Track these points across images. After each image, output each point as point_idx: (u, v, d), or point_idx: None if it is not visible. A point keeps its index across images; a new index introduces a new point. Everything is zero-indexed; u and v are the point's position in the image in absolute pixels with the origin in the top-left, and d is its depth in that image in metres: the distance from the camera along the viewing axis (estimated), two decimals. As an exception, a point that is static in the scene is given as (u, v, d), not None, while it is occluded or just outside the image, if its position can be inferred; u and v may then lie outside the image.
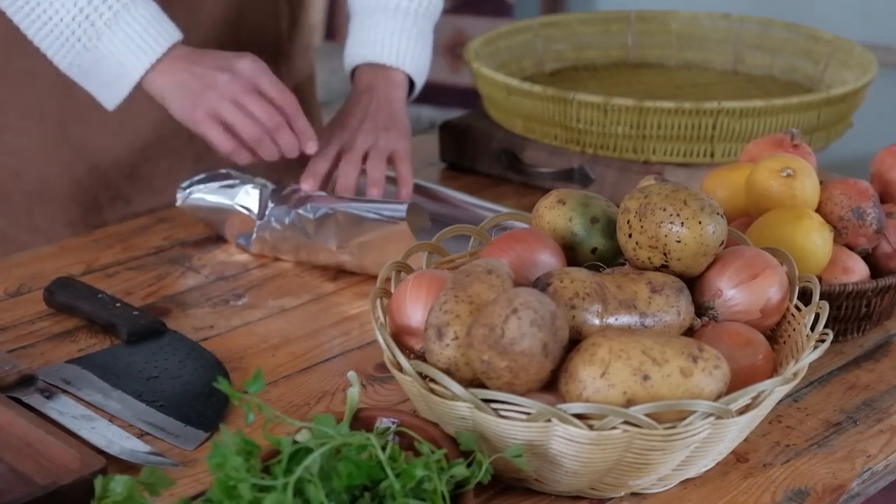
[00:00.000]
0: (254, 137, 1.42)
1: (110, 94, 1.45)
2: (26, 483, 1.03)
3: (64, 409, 1.13)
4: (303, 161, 1.49)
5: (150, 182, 1.64)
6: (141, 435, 1.12)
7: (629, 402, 0.97)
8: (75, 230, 1.59)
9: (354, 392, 1.01)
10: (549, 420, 0.96)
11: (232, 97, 1.41)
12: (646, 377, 0.97)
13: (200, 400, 1.17)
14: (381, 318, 1.08)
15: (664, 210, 1.09)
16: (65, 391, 1.18)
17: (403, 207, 1.38)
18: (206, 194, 1.47)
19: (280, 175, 1.51)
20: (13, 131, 1.59)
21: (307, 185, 1.46)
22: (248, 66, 1.43)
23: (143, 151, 1.61)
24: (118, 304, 1.31)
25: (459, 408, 0.99)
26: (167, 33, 1.43)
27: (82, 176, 1.60)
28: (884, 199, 1.38)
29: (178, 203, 1.48)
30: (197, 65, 1.42)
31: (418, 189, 1.55)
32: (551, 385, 1.00)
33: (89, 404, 1.16)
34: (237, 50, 1.47)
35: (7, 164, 1.59)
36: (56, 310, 1.34)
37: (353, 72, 1.61)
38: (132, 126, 1.59)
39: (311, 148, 1.44)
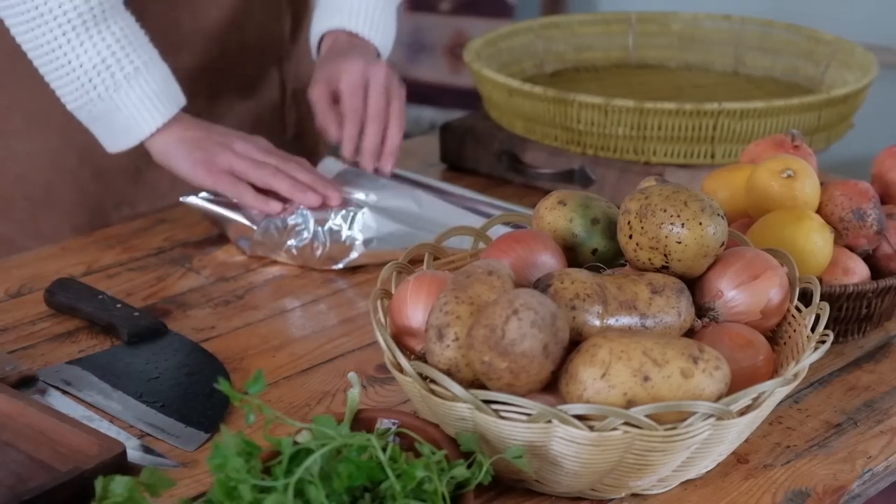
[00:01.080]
0: (263, 177, 1.45)
1: (114, 142, 1.48)
2: (47, 470, 1.03)
3: (65, 410, 1.13)
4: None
5: (154, 187, 1.64)
6: (141, 436, 1.12)
7: (630, 404, 0.97)
8: (81, 235, 1.58)
9: (355, 393, 1.01)
10: (549, 421, 0.96)
11: (239, 153, 1.46)
12: (646, 378, 0.97)
13: (201, 401, 1.17)
14: (382, 319, 1.09)
15: (665, 211, 1.09)
16: (65, 392, 1.18)
17: None
18: (206, 202, 1.48)
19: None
20: (18, 137, 1.58)
21: (347, 153, 1.53)
22: (251, 144, 1.48)
23: (147, 156, 1.60)
24: (119, 305, 1.31)
25: (460, 409, 0.99)
26: (178, 98, 1.47)
27: (87, 181, 1.61)
28: (884, 200, 1.38)
29: (181, 199, 1.49)
30: (208, 130, 1.48)
31: (426, 186, 1.56)
32: (552, 386, 1.00)
33: (90, 405, 1.16)
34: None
35: (12, 169, 1.59)
36: (57, 311, 1.34)
37: (321, 39, 1.63)
38: None
39: (334, 200, 1.46)
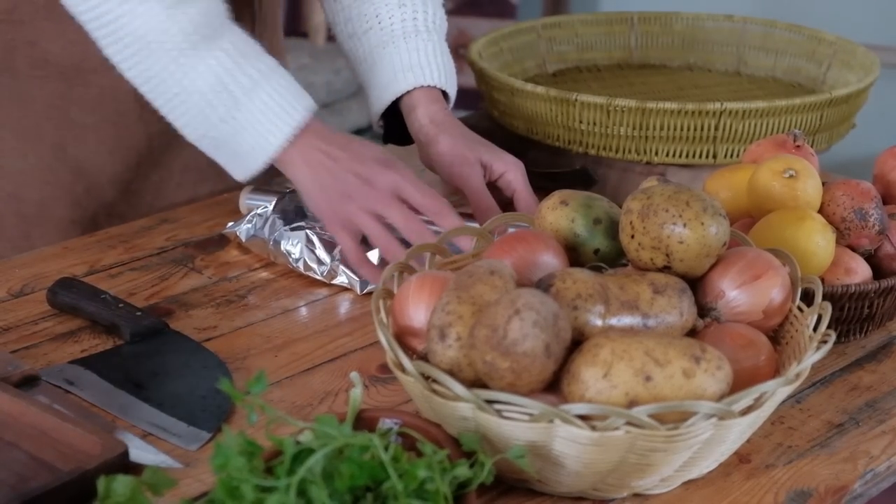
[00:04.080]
0: (388, 249, 1.33)
1: (242, 166, 1.37)
2: (49, 470, 1.03)
3: (67, 410, 1.13)
4: None
5: (142, 196, 1.61)
6: (144, 435, 1.12)
7: (631, 403, 0.97)
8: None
9: (357, 393, 1.01)
10: (551, 421, 0.96)
11: (370, 209, 1.33)
12: (648, 378, 0.97)
13: (203, 400, 1.17)
14: (384, 319, 1.09)
15: (667, 211, 1.09)
16: (67, 391, 1.18)
17: None
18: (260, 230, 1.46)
19: None
20: (9, 154, 1.54)
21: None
22: (390, 176, 1.34)
23: (136, 167, 1.59)
24: (121, 305, 1.31)
25: (462, 408, 0.99)
26: (305, 102, 1.36)
27: (81, 196, 1.57)
28: (886, 200, 1.38)
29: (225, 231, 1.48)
30: (336, 160, 1.34)
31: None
32: (554, 386, 1.00)
33: (92, 405, 1.16)
34: None
35: (3, 187, 1.55)
36: (59, 310, 1.34)
37: (398, 99, 1.53)
38: (127, 142, 1.56)
39: (465, 245, 1.33)
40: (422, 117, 1.52)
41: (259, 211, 1.46)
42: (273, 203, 1.46)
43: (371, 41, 1.55)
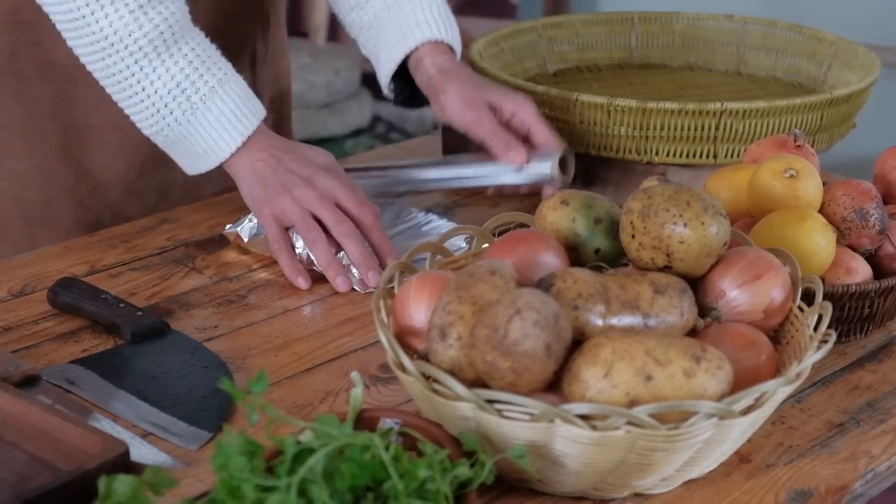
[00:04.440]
0: (307, 241, 1.38)
1: (193, 165, 1.44)
2: (50, 469, 1.04)
3: (68, 410, 1.13)
4: None
5: (146, 198, 1.61)
6: (145, 435, 1.12)
7: (632, 403, 0.97)
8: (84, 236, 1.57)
9: (358, 392, 1.01)
10: (552, 421, 0.96)
11: (304, 205, 1.38)
12: (649, 378, 0.97)
13: (204, 400, 1.17)
14: (385, 319, 1.09)
15: (667, 211, 1.09)
16: (68, 391, 1.18)
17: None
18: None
19: None
20: (13, 155, 1.55)
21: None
22: (331, 182, 1.39)
23: (140, 167, 1.59)
24: (122, 305, 1.31)
25: (462, 408, 0.99)
26: (256, 110, 1.42)
27: (85, 197, 1.58)
28: (887, 199, 1.38)
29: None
30: (280, 161, 1.40)
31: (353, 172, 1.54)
32: (554, 386, 1.00)
33: (93, 404, 1.17)
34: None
35: (6, 189, 1.56)
36: (60, 310, 1.34)
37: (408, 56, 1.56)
38: (130, 142, 1.56)
39: (389, 262, 1.36)
40: (429, 67, 1.55)
41: None
42: None
43: (375, 6, 1.59)
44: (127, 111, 1.41)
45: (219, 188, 1.63)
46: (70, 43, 1.39)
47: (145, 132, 1.42)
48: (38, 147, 1.55)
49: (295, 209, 1.39)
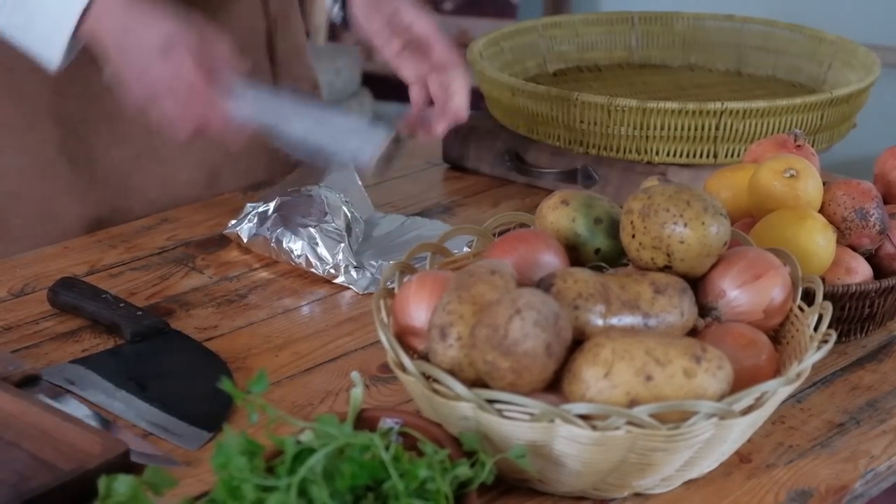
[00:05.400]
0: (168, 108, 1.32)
1: (51, 51, 1.33)
2: (50, 469, 1.03)
3: (68, 410, 1.13)
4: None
5: (145, 193, 1.60)
6: (145, 435, 1.12)
7: (632, 403, 0.97)
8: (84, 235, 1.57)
9: (358, 392, 1.01)
10: (552, 420, 0.96)
11: (168, 87, 1.31)
12: (649, 378, 0.97)
13: (204, 400, 1.17)
14: (385, 319, 1.09)
15: (667, 211, 1.09)
16: (68, 391, 1.18)
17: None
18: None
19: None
20: (7, 152, 1.53)
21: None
22: (180, 57, 1.30)
23: (137, 160, 1.58)
24: (122, 305, 1.31)
25: (463, 408, 0.99)
26: None
27: (83, 192, 1.56)
28: (887, 199, 1.38)
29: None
30: (133, 28, 1.31)
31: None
32: (554, 385, 1.00)
33: (93, 404, 1.16)
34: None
35: (3, 186, 1.54)
36: (60, 310, 1.34)
37: None
38: (126, 134, 1.56)
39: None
40: None
41: (260, 209, 1.46)
42: (275, 202, 1.46)
43: None
44: None
45: (220, 189, 1.63)
46: None
47: (3, 32, 1.35)
48: (34, 142, 1.54)
49: (162, 82, 1.31)
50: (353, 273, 1.39)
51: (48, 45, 1.34)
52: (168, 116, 1.33)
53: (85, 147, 1.55)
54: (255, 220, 1.45)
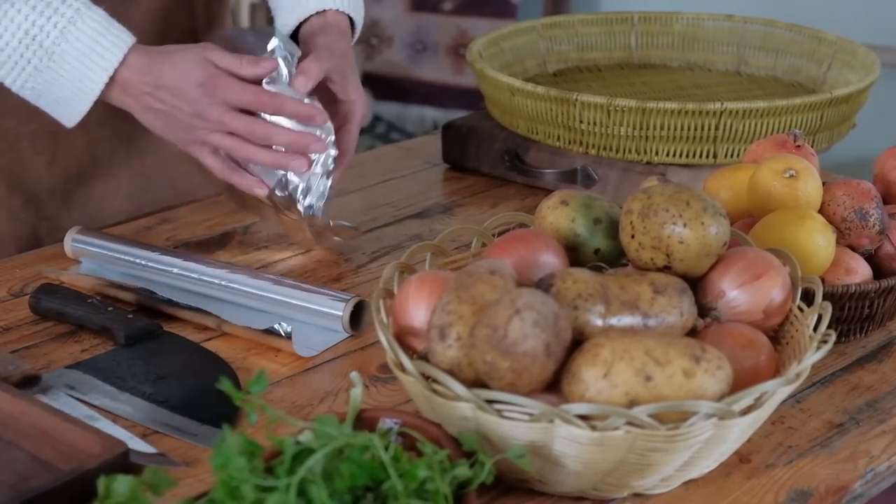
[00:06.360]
0: (249, 155, 1.35)
1: (68, 113, 1.36)
2: (49, 469, 1.03)
3: (68, 410, 1.13)
4: None
5: (85, 208, 1.57)
6: (144, 435, 1.12)
7: (632, 403, 0.97)
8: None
9: (357, 393, 1.01)
10: (551, 421, 0.96)
11: (214, 130, 1.35)
12: (648, 378, 0.97)
13: (212, 398, 1.16)
14: (384, 319, 1.09)
15: (667, 211, 1.09)
16: (69, 395, 1.18)
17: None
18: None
19: None
20: None
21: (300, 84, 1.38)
22: (215, 99, 1.34)
23: (78, 177, 1.55)
24: (110, 308, 1.30)
25: (462, 408, 0.99)
26: (119, 40, 1.33)
27: (18, 210, 1.53)
28: (887, 200, 1.38)
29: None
30: (161, 100, 1.34)
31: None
32: (554, 386, 1.00)
33: (97, 407, 1.16)
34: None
35: None
36: (43, 317, 1.32)
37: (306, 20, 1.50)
38: (66, 151, 1.53)
39: (319, 119, 1.36)
40: (312, 27, 1.48)
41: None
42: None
43: None
44: None
45: (212, 191, 1.61)
46: None
47: (13, 89, 1.35)
48: None
49: (213, 137, 1.35)
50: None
51: (67, 109, 1.36)
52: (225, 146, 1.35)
53: (21, 164, 1.51)
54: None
